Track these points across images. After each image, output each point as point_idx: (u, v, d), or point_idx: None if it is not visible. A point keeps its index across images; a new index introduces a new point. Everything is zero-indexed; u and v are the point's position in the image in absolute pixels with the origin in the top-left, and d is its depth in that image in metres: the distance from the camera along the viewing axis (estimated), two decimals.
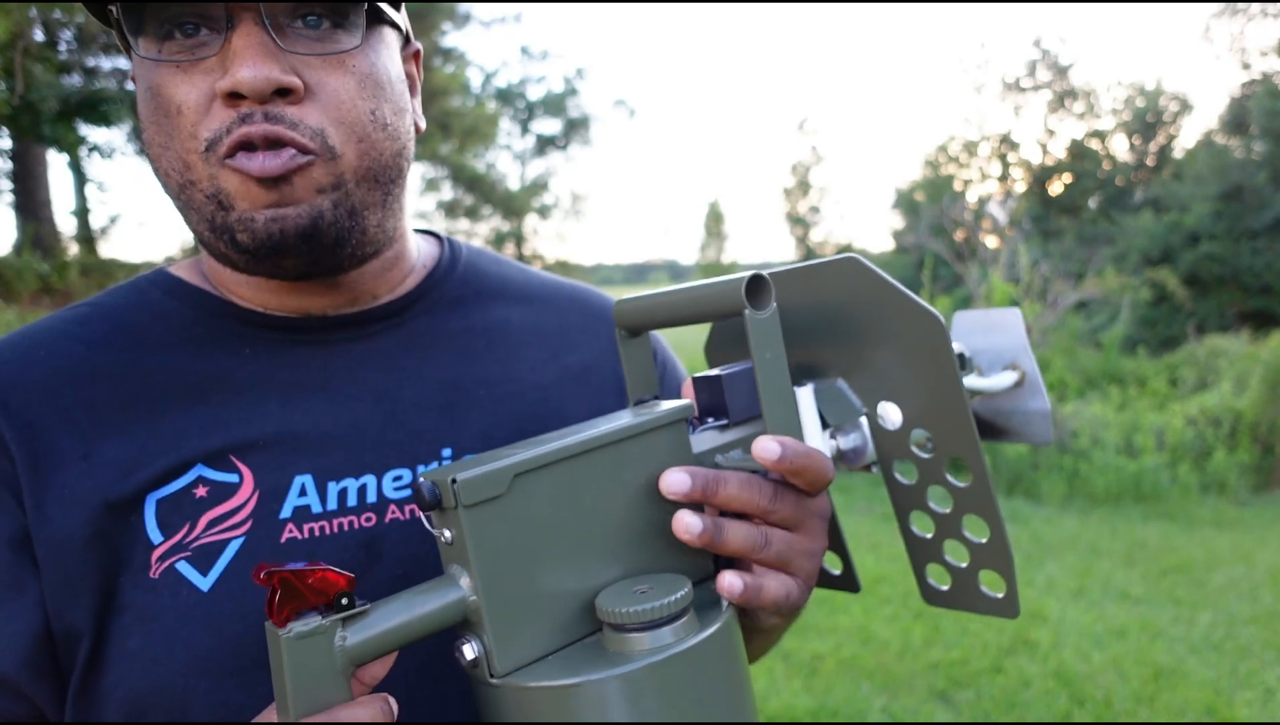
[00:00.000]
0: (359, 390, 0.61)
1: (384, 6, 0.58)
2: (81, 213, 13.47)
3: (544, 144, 23.82)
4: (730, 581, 0.49)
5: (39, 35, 9.52)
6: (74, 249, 12.31)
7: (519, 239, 23.07)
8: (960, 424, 0.54)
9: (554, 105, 23.26)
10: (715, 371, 0.56)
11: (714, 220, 33.52)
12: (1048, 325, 8.61)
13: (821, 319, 0.59)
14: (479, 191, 20.06)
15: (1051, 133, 21.48)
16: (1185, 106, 20.56)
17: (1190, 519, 5.43)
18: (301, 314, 0.62)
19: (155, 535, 0.54)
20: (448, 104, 13.77)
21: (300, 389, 0.60)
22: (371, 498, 0.58)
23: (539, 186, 23.33)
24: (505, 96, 22.69)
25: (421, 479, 0.44)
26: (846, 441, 0.60)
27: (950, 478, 0.56)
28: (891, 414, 0.58)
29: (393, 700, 0.42)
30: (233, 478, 0.56)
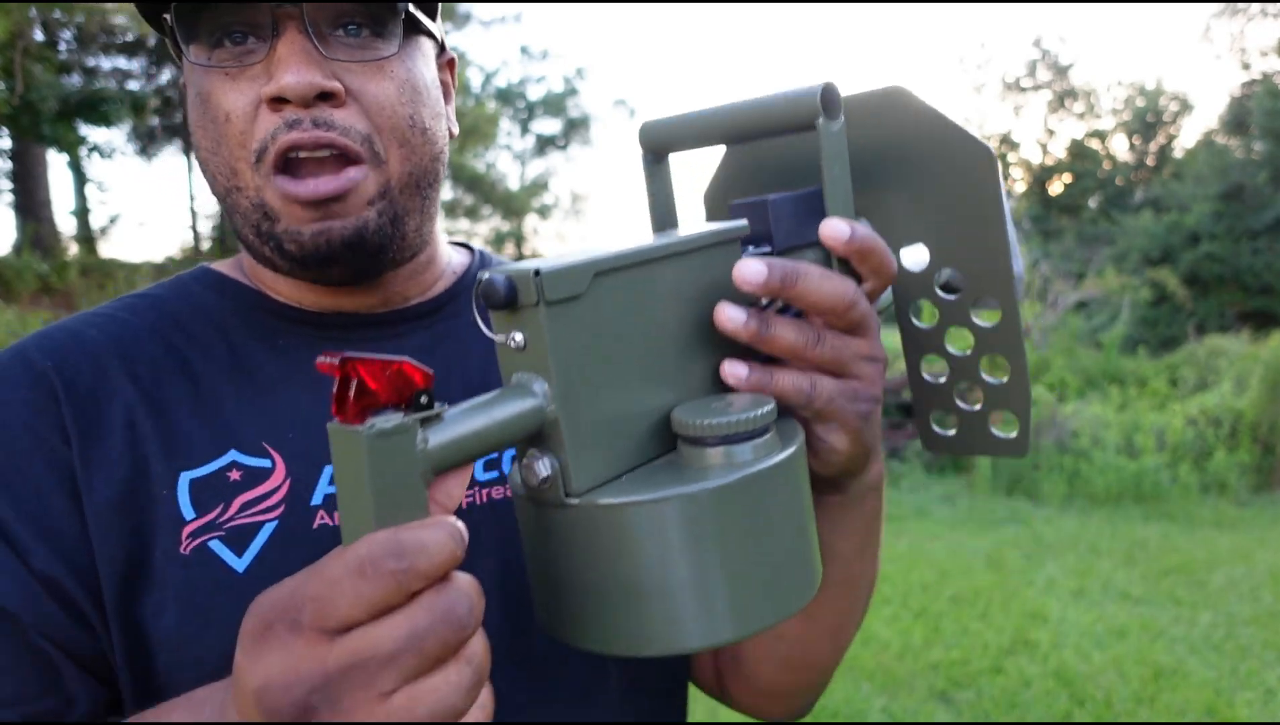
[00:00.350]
0: None
1: (420, 16, 0.60)
2: (81, 213, 13.49)
3: (544, 144, 23.83)
4: (731, 366, 0.47)
5: (39, 35, 9.52)
6: (74, 249, 12.33)
7: (519, 239, 23.08)
8: (999, 262, 0.53)
9: (554, 105, 23.27)
10: (760, 197, 0.52)
11: None
12: (1048, 325, 8.61)
13: (854, 156, 0.56)
14: (479, 191, 20.06)
15: (1051, 133, 21.50)
16: (1185, 106, 20.57)
17: (1190, 519, 5.43)
18: (334, 311, 0.64)
19: (188, 512, 0.55)
20: None
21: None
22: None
23: (539, 186, 23.34)
24: (505, 96, 22.70)
25: (491, 274, 0.40)
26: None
27: (975, 318, 0.55)
28: (917, 255, 0.56)
29: (463, 526, 0.37)
30: (265, 463, 0.57)
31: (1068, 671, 3.28)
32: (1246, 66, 18.72)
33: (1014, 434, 0.58)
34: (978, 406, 0.58)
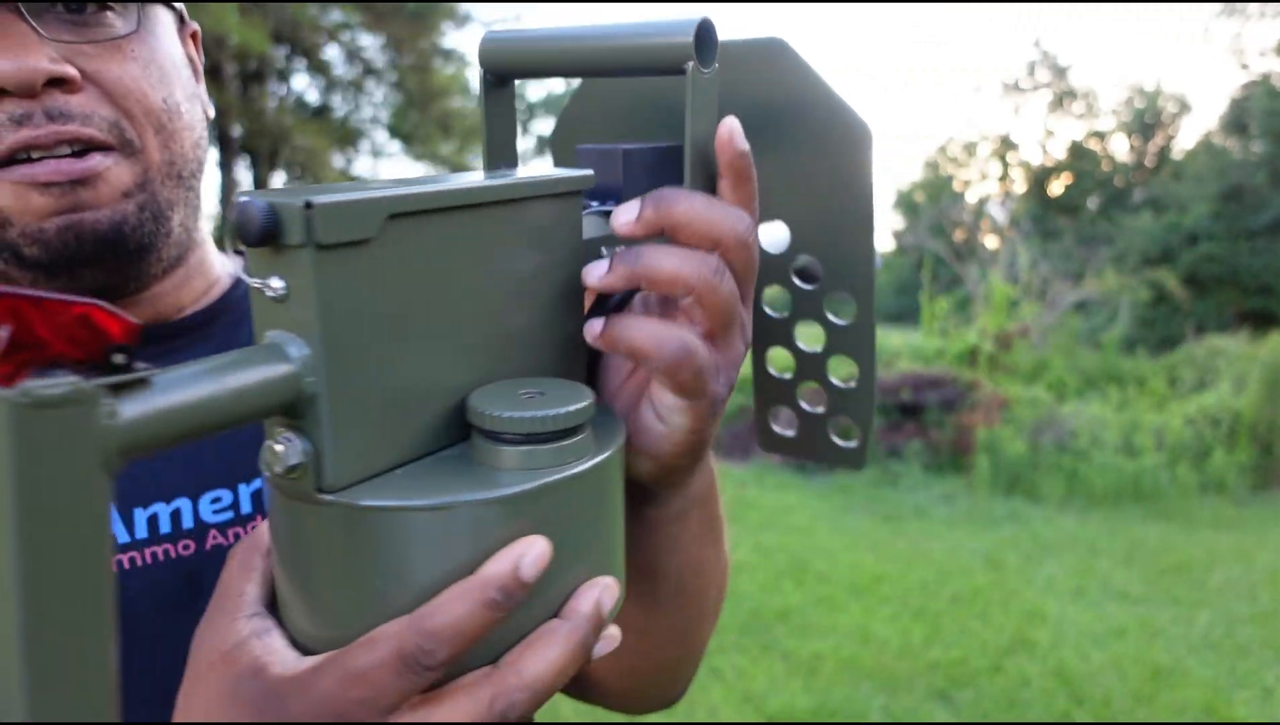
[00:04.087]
0: None
1: None
2: None
3: (544, 144, 23.82)
4: (588, 268, 0.40)
5: None
6: None
7: None
8: (860, 255, 0.48)
9: (554, 106, 23.27)
10: (613, 145, 0.44)
11: None
12: (1047, 325, 8.62)
13: (726, 109, 0.49)
14: None
15: (1051, 133, 21.51)
16: (1184, 107, 20.59)
17: (1189, 519, 5.43)
18: None
19: None
20: (448, 104, 13.78)
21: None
22: (188, 523, 0.52)
23: None
24: None
25: (250, 197, 0.31)
26: None
27: (830, 314, 0.50)
28: (777, 234, 0.51)
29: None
30: None
31: (1067, 671, 3.29)
32: (1245, 67, 18.73)
33: (854, 443, 0.52)
34: (820, 409, 0.53)
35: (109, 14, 0.50)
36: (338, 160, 12.73)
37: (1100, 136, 21.33)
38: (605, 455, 0.37)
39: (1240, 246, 14.77)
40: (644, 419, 0.44)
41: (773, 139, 0.48)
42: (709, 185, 0.42)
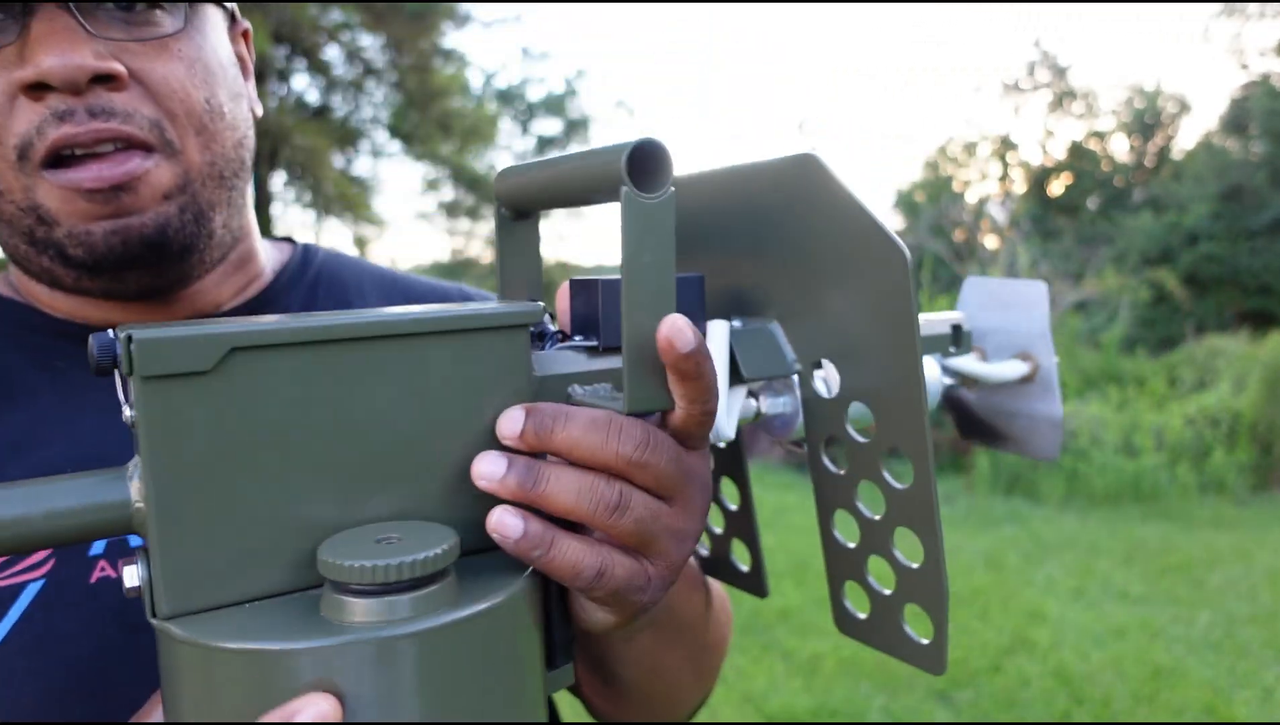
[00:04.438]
0: None
1: None
2: None
3: (544, 145, 23.83)
4: (501, 518, 0.35)
5: None
6: None
7: None
8: (910, 403, 0.42)
9: (554, 106, 23.29)
10: (596, 277, 0.42)
11: None
12: None
13: (769, 237, 0.46)
14: (480, 192, 20.10)
15: (1050, 133, 21.51)
16: (1184, 107, 20.59)
17: (1189, 519, 5.43)
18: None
19: None
20: (448, 104, 13.78)
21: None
22: None
23: None
24: (505, 97, 22.72)
25: (106, 332, 0.33)
26: (772, 404, 0.47)
27: (887, 474, 0.44)
28: (832, 377, 0.45)
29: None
30: None
31: (1067, 671, 3.29)
32: (1245, 67, 18.73)
33: (926, 640, 0.44)
34: (889, 592, 0.46)
35: (157, 12, 0.49)
36: (338, 160, 12.74)
37: (1100, 136, 21.33)
38: (471, 610, 0.32)
39: (1240, 246, 14.77)
40: (570, 599, 0.41)
41: (809, 265, 0.44)
42: (644, 341, 0.36)
